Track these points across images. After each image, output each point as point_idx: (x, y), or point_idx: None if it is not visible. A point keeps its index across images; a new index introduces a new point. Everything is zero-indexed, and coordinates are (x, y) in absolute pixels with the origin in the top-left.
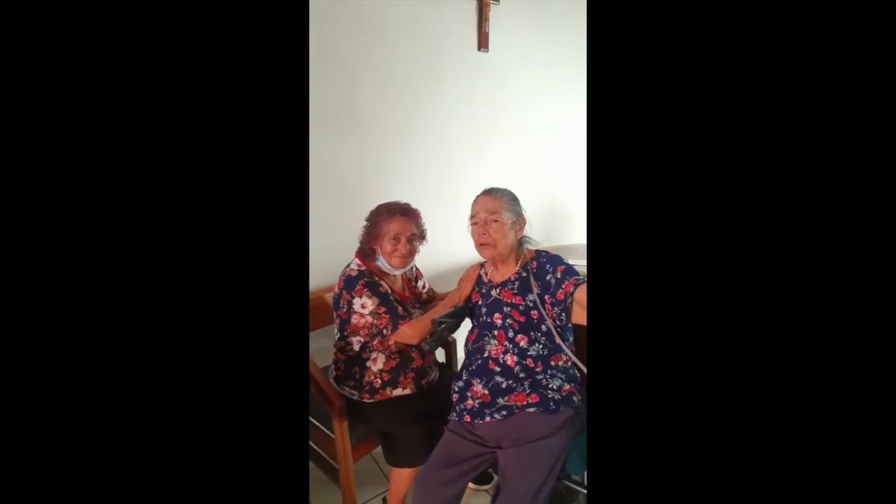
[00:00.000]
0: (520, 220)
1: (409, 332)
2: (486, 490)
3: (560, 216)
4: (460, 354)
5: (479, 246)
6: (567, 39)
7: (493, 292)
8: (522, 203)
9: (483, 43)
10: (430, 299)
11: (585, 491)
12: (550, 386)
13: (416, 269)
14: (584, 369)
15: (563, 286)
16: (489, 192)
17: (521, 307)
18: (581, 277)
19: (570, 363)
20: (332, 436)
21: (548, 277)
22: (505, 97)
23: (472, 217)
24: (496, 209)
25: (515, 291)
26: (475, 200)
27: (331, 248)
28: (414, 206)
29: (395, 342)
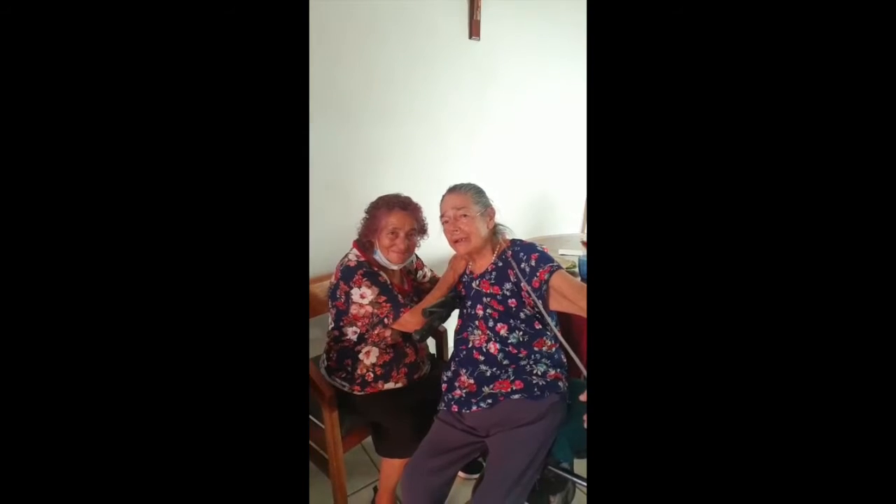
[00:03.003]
0: (489, 211)
1: (411, 319)
2: (475, 479)
3: (551, 205)
4: (451, 345)
5: (454, 243)
6: (559, 29)
7: (474, 284)
8: (513, 191)
9: (474, 31)
10: (433, 288)
11: (575, 479)
12: (535, 372)
13: (417, 259)
14: (571, 351)
15: (538, 274)
16: (453, 190)
17: (498, 296)
18: (555, 264)
19: (554, 348)
20: (322, 426)
21: (522, 265)
22: (496, 85)
23: (442, 216)
24: (462, 204)
25: (493, 281)
26: (441, 200)
27: (317, 237)
28: (405, 194)
29: (392, 334)
